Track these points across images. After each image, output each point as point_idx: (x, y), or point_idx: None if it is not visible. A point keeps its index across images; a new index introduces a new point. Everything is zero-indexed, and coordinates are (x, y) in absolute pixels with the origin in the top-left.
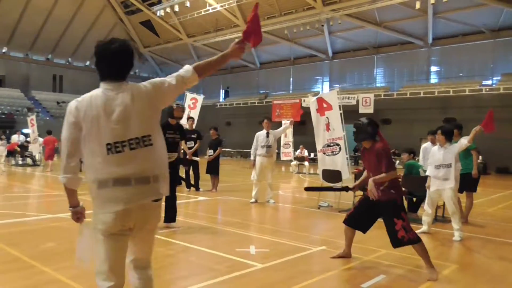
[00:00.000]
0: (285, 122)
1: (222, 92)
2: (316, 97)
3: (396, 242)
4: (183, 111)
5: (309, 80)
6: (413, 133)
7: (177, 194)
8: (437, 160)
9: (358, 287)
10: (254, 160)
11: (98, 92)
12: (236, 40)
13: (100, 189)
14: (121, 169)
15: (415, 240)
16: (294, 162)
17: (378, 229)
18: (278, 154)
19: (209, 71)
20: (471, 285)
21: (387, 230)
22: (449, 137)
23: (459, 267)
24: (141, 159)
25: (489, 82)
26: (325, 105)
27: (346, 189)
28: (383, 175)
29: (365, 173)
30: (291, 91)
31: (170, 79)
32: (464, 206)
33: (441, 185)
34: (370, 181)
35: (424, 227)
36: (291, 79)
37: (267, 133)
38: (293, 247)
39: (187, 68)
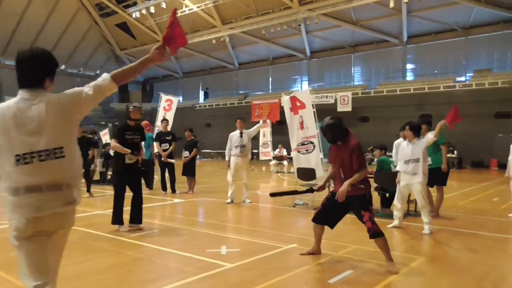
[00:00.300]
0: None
1: (201, 93)
2: (290, 96)
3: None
4: (141, 113)
5: (288, 80)
6: (390, 130)
7: (153, 197)
8: (406, 155)
9: (325, 283)
10: (229, 161)
11: (11, 103)
12: (156, 45)
13: (12, 197)
14: (32, 178)
15: (379, 233)
16: (273, 162)
17: (349, 225)
18: (257, 153)
19: (128, 78)
20: (437, 276)
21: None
22: (417, 132)
23: (427, 260)
24: (51, 170)
25: (463, 78)
26: (298, 104)
27: (310, 191)
28: (356, 176)
29: (330, 169)
30: (270, 91)
31: (88, 89)
32: (435, 200)
33: (410, 180)
34: (346, 184)
35: (396, 222)
36: (270, 79)
37: (241, 133)
38: (265, 245)
39: (104, 77)
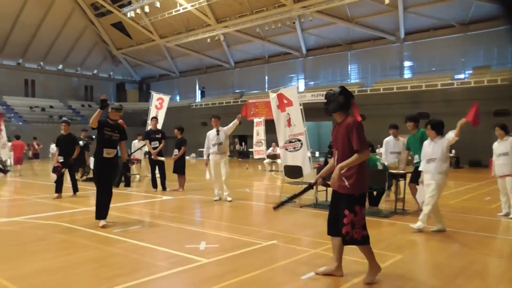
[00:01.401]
0: (258, 121)
1: (198, 92)
2: (276, 93)
3: (342, 238)
4: (120, 115)
5: (284, 78)
6: (387, 127)
7: (143, 194)
8: (427, 154)
9: (297, 279)
10: (208, 159)
11: None
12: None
13: None
14: None
15: (357, 242)
16: (267, 160)
17: None
18: (251, 152)
19: None
20: (411, 273)
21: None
22: (439, 130)
23: (404, 257)
24: None
25: (461, 76)
26: (285, 101)
27: (310, 187)
28: (354, 157)
29: (330, 161)
30: (266, 90)
31: None
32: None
33: (431, 179)
34: (337, 168)
35: (439, 225)
36: (266, 77)
37: (217, 131)
38: (244, 242)
39: None
